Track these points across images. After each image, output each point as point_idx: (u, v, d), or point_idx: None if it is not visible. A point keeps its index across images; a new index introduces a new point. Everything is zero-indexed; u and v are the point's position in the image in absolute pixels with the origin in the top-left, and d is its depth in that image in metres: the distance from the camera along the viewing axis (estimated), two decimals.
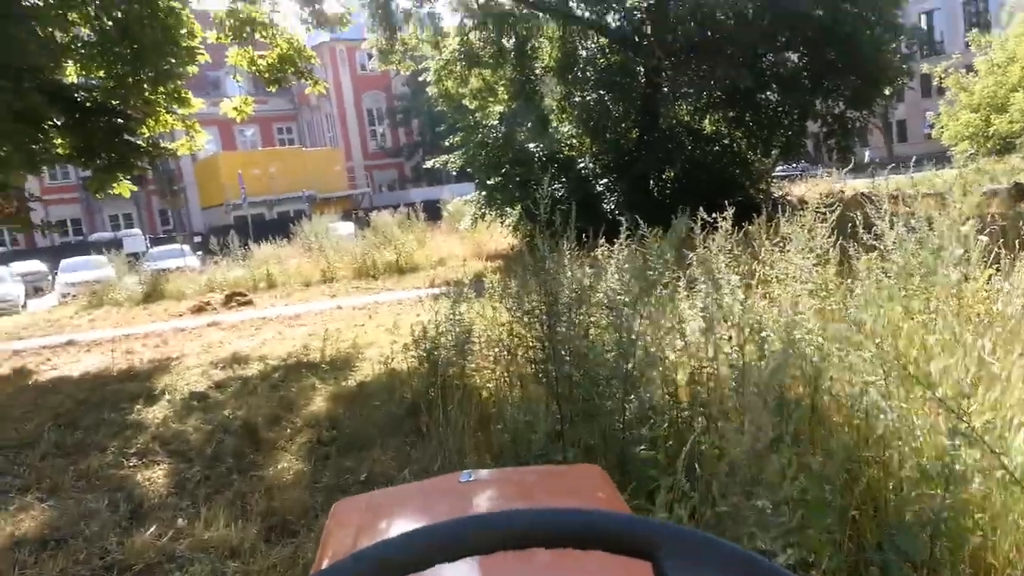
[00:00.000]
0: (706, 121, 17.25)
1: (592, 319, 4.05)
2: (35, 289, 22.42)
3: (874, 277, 3.56)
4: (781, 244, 4.22)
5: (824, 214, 4.08)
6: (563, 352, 3.92)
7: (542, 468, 2.38)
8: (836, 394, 3.14)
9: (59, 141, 10.45)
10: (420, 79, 20.00)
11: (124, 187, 11.20)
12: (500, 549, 0.54)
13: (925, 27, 41.63)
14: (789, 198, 17.08)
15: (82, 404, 6.66)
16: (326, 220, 21.71)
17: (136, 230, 33.84)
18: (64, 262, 21.39)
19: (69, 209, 38.83)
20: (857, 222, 3.74)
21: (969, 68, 24.56)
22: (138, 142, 10.82)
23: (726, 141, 16.81)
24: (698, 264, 4.23)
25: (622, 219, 4.47)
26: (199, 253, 23.95)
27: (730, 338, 3.46)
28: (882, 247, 3.62)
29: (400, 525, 1.51)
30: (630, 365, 3.42)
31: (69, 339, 11.49)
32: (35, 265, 25.67)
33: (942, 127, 24.63)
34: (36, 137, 10.00)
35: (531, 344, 4.44)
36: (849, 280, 3.82)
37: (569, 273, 4.12)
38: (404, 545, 0.54)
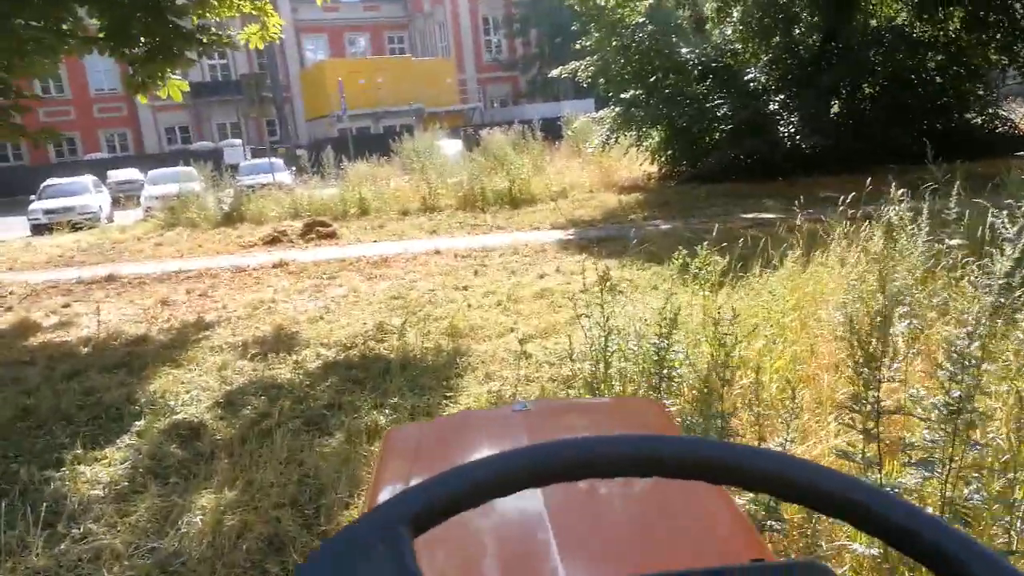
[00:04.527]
0: (920, 22, 13.06)
1: None
2: (123, 200, 20.82)
3: None
4: None
5: None
6: None
7: (599, 401, 2.02)
8: None
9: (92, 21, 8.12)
10: None
11: (174, 87, 8.68)
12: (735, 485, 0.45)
13: None
14: None
15: (25, 417, 4.26)
16: (431, 137, 18.91)
17: (237, 140, 32.13)
18: (151, 173, 19.59)
19: (177, 116, 37.85)
20: None
21: None
22: (185, 25, 8.24)
23: (952, 50, 12.59)
24: None
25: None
26: (293, 168, 21.81)
27: None
28: None
29: (461, 454, 1.30)
30: None
31: (111, 273, 9.40)
32: (131, 174, 24.30)
33: None
34: (62, 13, 7.69)
35: None
36: None
37: None
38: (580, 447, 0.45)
